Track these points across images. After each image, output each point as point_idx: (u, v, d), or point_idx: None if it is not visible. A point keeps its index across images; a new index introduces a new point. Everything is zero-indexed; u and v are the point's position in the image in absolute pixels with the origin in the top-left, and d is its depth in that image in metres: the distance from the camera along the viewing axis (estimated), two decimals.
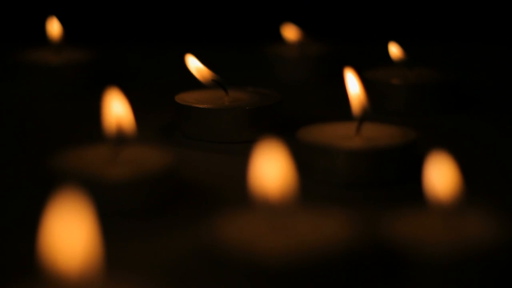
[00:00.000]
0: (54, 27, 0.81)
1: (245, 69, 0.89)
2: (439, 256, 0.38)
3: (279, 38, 0.88)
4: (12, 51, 0.82)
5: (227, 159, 0.59)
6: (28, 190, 0.52)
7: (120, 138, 0.50)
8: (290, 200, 0.40)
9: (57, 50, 0.81)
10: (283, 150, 0.41)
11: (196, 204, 0.50)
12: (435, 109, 0.71)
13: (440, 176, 0.41)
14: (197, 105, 0.62)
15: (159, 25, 1.08)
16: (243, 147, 0.54)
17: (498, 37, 1.02)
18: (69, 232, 0.33)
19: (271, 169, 0.40)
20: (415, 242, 0.39)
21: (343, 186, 0.53)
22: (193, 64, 0.65)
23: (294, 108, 0.70)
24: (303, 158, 0.54)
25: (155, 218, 0.48)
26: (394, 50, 0.73)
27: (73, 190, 0.35)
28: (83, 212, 0.34)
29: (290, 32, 0.88)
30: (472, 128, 0.68)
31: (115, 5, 1.08)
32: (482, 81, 0.84)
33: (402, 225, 0.41)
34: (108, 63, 0.86)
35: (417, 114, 0.70)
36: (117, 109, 0.51)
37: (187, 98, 0.64)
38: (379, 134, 0.56)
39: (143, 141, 0.52)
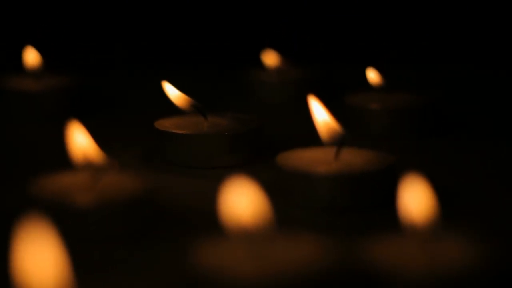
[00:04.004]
0: (31, 56, 0.81)
1: (226, 94, 0.89)
2: (416, 280, 0.38)
3: (260, 63, 0.88)
4: None
5: (206, 185, 0.59)
6: (3, 216, 0.52)
7: (89, 166, 0.50)
8: (267, 226, 0.40)
9: (36, 78, 0.81)
10: (256, 179, 0.41)
11: (173, 230, 0.50)
12: (414, 133, 0.71)
13: (415, 200, 0.41)
14: (176, 131, 0.62)
15: (138, 52, 1.08)
16: (223, 173, 0.54)
17: (479, 61, 1.03)
18: (38, 261, 0.33)
19: (244, 197, 0.41)
20: (393, 267, 0.39)
21: (321, 211, 0.53)
22: (171, 91, 0.65)
23: (274, 133, 0.70)
24: (282, 183, 0.54)
25: (131, 246, 0.47)
26: (372, 75, 0.73)
27: (43, 217, 0.35)
28: (52, 241, 0.34)
29: (270, 58, 0.88)
30: (450, 152, 0.68)
31: (95, 32, 1.08)
32: (462, 105, 0.84)
33: (380, 250, 0.41)
34: (88, 90, 0.86)
35: (397, 138, 0.70)
36: (80, 141, 0.51)
37: (166, 124, 0.64)
38: (358, 159, 0.56)
39: (122, 168, 0.52)
